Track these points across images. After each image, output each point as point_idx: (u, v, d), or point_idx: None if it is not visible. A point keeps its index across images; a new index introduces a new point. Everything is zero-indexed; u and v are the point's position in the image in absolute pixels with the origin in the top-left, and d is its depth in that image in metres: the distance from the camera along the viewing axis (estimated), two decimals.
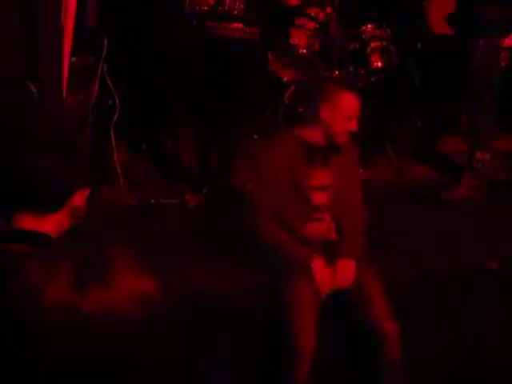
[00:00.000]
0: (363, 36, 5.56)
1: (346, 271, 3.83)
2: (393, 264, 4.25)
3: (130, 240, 4.41)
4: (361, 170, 4.58)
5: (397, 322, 3.79)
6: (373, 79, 5.61)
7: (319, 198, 3.92)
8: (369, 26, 5.57)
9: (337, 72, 5.50)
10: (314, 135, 3.93)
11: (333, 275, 3.80)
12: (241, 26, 5.20)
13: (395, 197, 4.81)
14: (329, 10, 5.52)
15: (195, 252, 4.39)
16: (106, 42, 4.79)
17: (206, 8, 5.12)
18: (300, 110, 5.49)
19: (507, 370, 4.34)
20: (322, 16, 5.53)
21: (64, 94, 4.48)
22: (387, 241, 4.08)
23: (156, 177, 5.33)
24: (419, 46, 5.51)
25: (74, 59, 4.71)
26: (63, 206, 1.92)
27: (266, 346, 4.02)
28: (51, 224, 1.92)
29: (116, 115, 4.89)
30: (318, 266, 3.80)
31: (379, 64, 5.57)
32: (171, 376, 1.76)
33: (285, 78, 5.63)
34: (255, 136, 5.87)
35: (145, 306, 1.77)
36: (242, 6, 5.18)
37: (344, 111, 3.87)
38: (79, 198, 1.95)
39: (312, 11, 5.55)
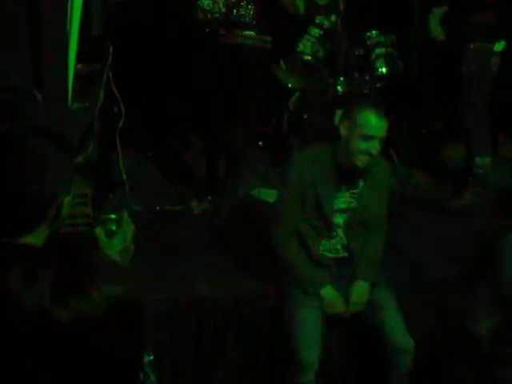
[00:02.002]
0: (368, 42, 5.57)
1: (360, 294, 3.86)
2: (395, 271, 4.26)
3: (135, 246, 4.44)
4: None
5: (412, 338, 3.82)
6: (378, 85, 5.61)
7: (338, 219, 3.89)
8: (373, 32, 5.59)
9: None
10: (339, 153, 3.78)
11: (344, 299, 3.84)
12: (253, 33, 5.20)
13: (399, 203, 4.80)
14: (333, 17, 5.52)
15: (200, 258, 4.41)
16: (111, 49, 4.79)
17: (218, 15, 5.13)
18: (305, 116, 5.51)
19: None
20: (326, 23, 5.54)
21: (69, 101, 4.51)
22: (390, 247, 4.08)
23: (161, 183, 5.35)
24: (423, 52, 5.51)
25: (79, 66, 4.73)
26: (44, 220, 1.93)
27: (269, 351, 4.06)
28: (34, 235, 1.93)
29: (121, 122, 4.90)
30: (328, 292, 3.83)
31: (384, 70, 5.58)
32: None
33: (290, 85, 5.65)
34: (260, 143, 5.90)
35: (122, 316, 1.79)
36: (255, 14, 5.19)
37: (360, 129, 3.64)
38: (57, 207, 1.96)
39: (317, 18, 5.56)
